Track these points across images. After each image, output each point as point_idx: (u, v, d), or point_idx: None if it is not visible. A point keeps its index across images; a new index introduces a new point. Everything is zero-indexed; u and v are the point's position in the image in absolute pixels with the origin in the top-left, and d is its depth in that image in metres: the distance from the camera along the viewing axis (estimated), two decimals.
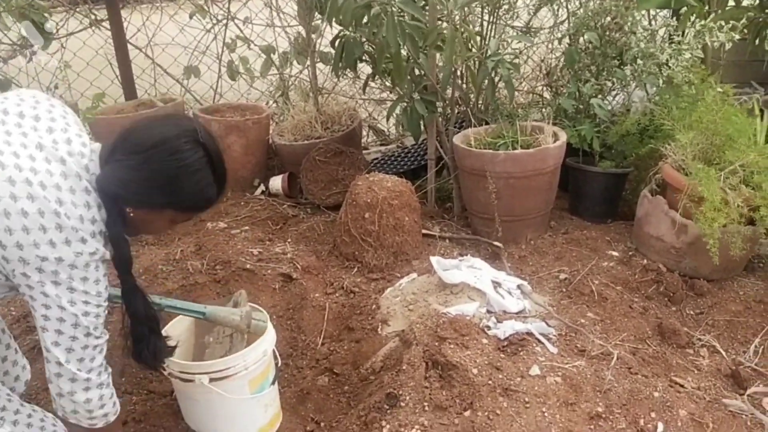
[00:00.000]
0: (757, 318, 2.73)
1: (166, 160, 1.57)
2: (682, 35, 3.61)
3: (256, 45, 4.68)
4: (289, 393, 2.48)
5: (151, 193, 1.59)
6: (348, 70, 3.57)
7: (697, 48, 3.47)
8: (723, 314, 2.77)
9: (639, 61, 3.55)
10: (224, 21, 4.69)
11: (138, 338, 1.81)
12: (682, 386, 2.31)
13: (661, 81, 3.54)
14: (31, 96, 1.63)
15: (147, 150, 1.57)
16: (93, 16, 4.39)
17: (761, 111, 3.05)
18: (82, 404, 1.65)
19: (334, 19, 3.17)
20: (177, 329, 2.28)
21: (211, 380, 2.01)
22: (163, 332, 2.19)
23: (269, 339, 2.17)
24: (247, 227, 3.47)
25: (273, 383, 2.22)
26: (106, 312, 1.66)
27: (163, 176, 1.58)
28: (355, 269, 3.11)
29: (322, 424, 2.33)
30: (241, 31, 4.71)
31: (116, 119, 3.84)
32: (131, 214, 1.64)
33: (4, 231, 1.42)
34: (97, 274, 1.55)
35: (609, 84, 3.81)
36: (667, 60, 3.51)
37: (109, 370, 1.73)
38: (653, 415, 2.10)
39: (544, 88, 4.47)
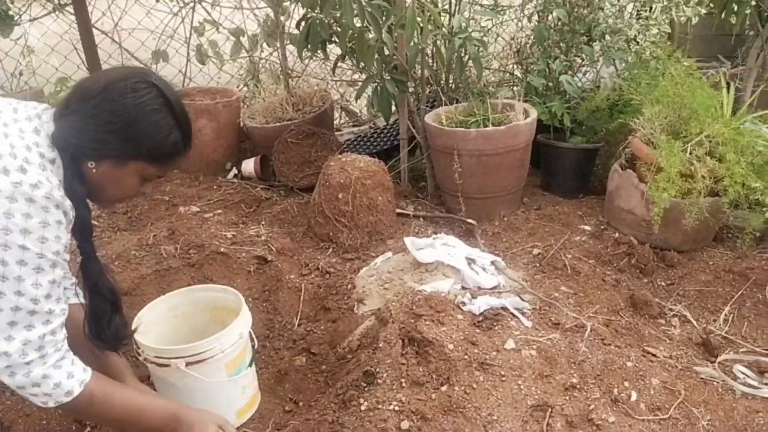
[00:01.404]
0: (727, 287, 2.77)
1: (119, 101, 1.50)
2: (650, 11, 3.64)
3: (224, 28, 4.63)
4: (266, 374, 2.48)
5: (107, 139, 1.51)
6: (316, 51, 3.54)
7: (665, 23, 3.50)
8: (693, 284, 2.82)
9: (607, 37, 3.57)
10: (191, 4, 4.63)
11: (98, 315, 1.70)
12: (654, 356, 2.35)
13: (629, 57, 3.57)
14: None
15: (98, 94, 1.50)
16: (57, 1, 4.30)
17: (727, 84, 3.08)
18: (25, 381, 1.47)
19: (300, 0, 3.13)
20: (153, 312, 2.26)
21: (188, 364, 2.00)
22: (137, 317, 2.19)
23: (245, 321, 2.17)
24: (220, 211, 3.45)
25: (250, 365, 2.22)
26: (60, 278, 1.51)
27: (117, 119, 1.50)
28: (330, 250, 3.11)
29: (301, 403, 2.34)
30: (209, 14, 4.65)
31: None
32: (94, 171, 1.54)
33: None
34: (45, 215, 1.39)
35: (578, 60, 3.83)
36: (635, 36, 3.54)
37: (61, 348, 1.55)
38: (626, 384, 2.14)
39: (515, 66, 4.48)
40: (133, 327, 2.00)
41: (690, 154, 2.76)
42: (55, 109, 1.56)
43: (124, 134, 1.52)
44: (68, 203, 1.46)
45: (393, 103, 3.51)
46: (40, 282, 1.43)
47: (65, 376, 1.53)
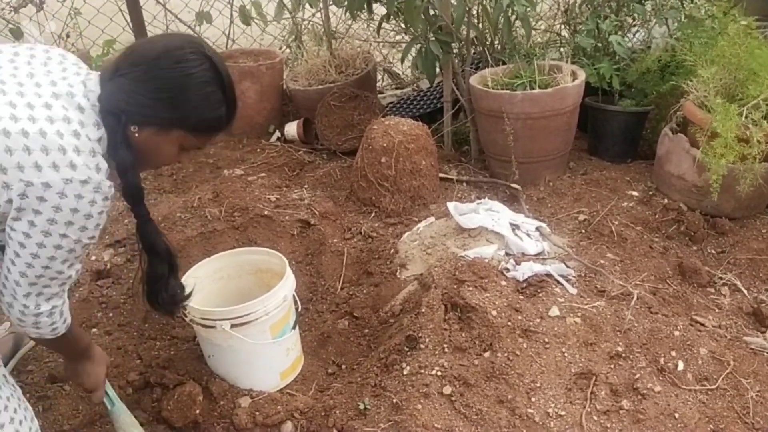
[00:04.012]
0: None
1: (172, 69, 1.49)
2: None
3: None
4: (310, 337, 2.51)
5: (157, 105, 1.49)
6: (362, 11, 3.49)
7: None
8: (745, 252, 2.75)
9: None
10: None
11: (156, 278, 1.73)
12: (702, 325, 2.31)
13: (682, 15, 3.44)
14: (27, 48, 1.55)
15: (151, 60, 1.49)
16: None
17: None
18: (31, 325, 1.58)
19: None
20: (198, 274, 2.29)
21: (233, 326, 2.03)
22: (183, 278, 2.21)
23: (289, 284, 2.18)
24: (263, 174, 3.47)
25: (294, 328, 2.24)
26: (84, 252, 1.56)
27: (168, 86, 1.49)
28: (373, 214, 3.11)
29: (343, 366, 2.36)
30: None
31: None
32: (136, 135, 1.52)
33: None
34: (90, 209, 1.42)
35: (629, 20, 3.71)
36: None
37: (64, 297, 1.63)
38: (673, 353, 2.11)
39: (562, 26, 4.37)
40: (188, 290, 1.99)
41: (746, 118, 2.66)
42: (102, 71, 1.55)
43: (172, 102, 1.50)
44: (112, 190, 1.47)
45: (437, 64, 3.45)
46: (68, 259, 1.49)
47: (62, 322, 1.64)
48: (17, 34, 3.60)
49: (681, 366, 2.08)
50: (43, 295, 1.52)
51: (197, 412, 2.09)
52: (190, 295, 1.91)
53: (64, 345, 1.77)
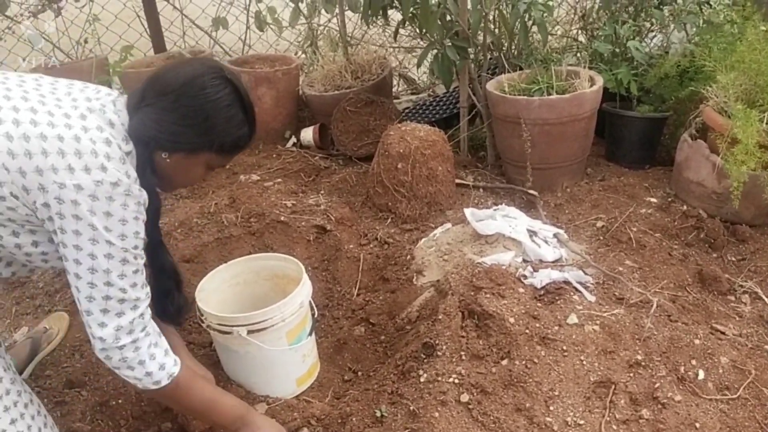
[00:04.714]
0: None
1: (198, 97, 1.56)
2: None
3: None
4: (326, 343, 2.50)
5: (186, 132, 1.57)
6: (377, 16, 3.49)
7: None
8: (765, 260, 2.71)
9: (679, 0, 3.41)
10: None
11: (163, 293, 1.80)
12: (723, 333, 2.27)
13: (701, 21, 3.41)
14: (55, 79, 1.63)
15: (177, 89, 1.56)
16: None
17: None
18: (124, 367, 1.58)
19: None
20: (214, 280, 2.29)
21: (249, 332, 2.03)
22: (200, 284, 2.22)
23: (305, 291, 2.18)
24: (279, 179, 3.47)
25: (310, 334, 2.24)
26: (142, 267, 1.59)
27: (195, 114, 1.57)
28: (389, 220, 3.10)
29: (360, 373, 2.35)
30: None
31: (146, 72, 3.82)
32: (168, 161, 1.61)
33: (24, 155, 1.39)
34: (123, 212, 1.47)
35: (647, 25, 3.68)
36: None
37: (150, 331, 1.63)
38: (694, 362, 2.08)
39: (579, 32, 4.35)
40: (195, 295, 2.10)
41: (766, 124, 2.63)
42: (128, 98, 1.61)
43: (200, 128, 1.58)
44: (144, 195, 1.53)
45: (454, 70, 3.45)
46: (125, 273, 1.52)
47: (157, 368, 1.62)
48: (36, 40, 3.63)
49: (701, 375, 2.05)
50: (123, 328, 1.54)
51: None
52: (194, 304, 1.99)
53: (192, 409, 1.80)
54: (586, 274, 2.42)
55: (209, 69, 1.61)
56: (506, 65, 3.64)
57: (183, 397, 1.72)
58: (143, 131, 1.55)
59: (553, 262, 2.48)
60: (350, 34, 4.56)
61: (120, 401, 2.16)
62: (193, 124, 1.57)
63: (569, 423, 1.89)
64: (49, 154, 1.40)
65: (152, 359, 1.61)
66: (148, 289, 1.63)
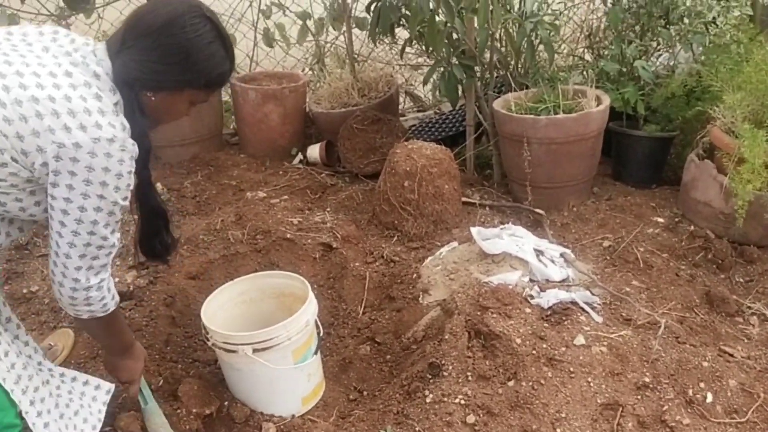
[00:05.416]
0: None
1: (179, 35, 1.57)
2: None
3: (291, 11, 4.63)
4: (331, 362, 2.49)
5: (169, 71, 1.59)
6: (385, 35, 3.51)
7: (746, 5, 3.33)
8: None
9: (686, 20, 3.42)
10: None
11: (152, 233, 1.84)
12: (731, 356, 2.26)
13: (707, 40, 3.42)
14: (33, 28, 1.63)
15: (157, 30, 1.57)
16: None
17: None
18: (82, 302, 1.65)
19: None
20: (220, 299, 2.29)
21: (255, 351, 2.02)
22: (206, 302, 2.22)
23: (311, 309, 2.17)
24: (286, 196, 3.47)
25: (316, 353, 2.23)
26: (120, 216, 1.64)
27: (178, 52, 1.58)
28: (395, 238, 3.09)
29: (365, 392, 2.34)
30: None
31: None
32: (153, 99, 1.63)
33: (19, 120, 1.41)
34: (119, 167, 1.51)
35: (653, 45, 3.69)
36: (714, 18, 3.38)
37: (109, 270, 1.70)
38: (702, 385, 2.07)
39: (585, 50, 4.36)
40: (201, 313, 2.14)
41: None
42: (107, 44, 1.63)
43: (183, 66, 1.60)
44: (136, 150, 1.57)
45: (460, 88, 3.45)
46: (110, 223, 1.58)
47: (111, 298, 1.71)
48: None
49: (710, 398, 2.03)
50: (93, 268, 1.60)
51: None
52: (178, 242, 2.06)
53: (110, 333, 1.85)
54: (593, 294, 2.41)
55: (189, 8, 1.62)
56: (512, 84, 3.64)
57: (112, 320, 1.78)
58: (127, 73, 1.57)
59: (559, 281, 2.47)
60: (357, 52, 4.57)
61: (127, 420, 2.15)
62: (176, 62, 1.59)
63: None
64: (44, 116, 1.42)
65: (109, 292, 1.69)
66: (119, 234, 1.67)
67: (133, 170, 1.58)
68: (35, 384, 1.75)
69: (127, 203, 1.61)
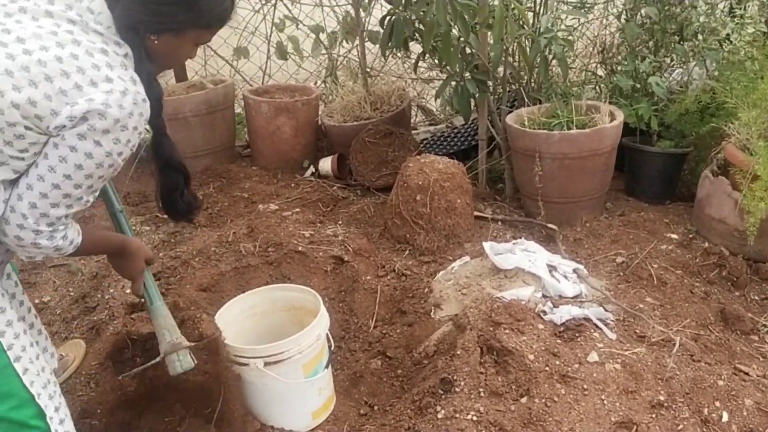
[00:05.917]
0: None
1: None
2: (744, 8, 3.47)
3: (304, 25, 4.66)
4: (342, 376, 2.47)
5: (172, 11, 1.58)
6: (399, 49, 3.51)
7: (761, 21, 3.32)
8: None
9: (700, 37, 3.41)
10: (273, 1, 4.67)
11: (172, 187, 1.80)
12: (747, 374, 2.23)
13: (721, 57, 3.41)
14: None
15: None
16: None
17: None
18: (30, 245, 1.56)
19: None
20: (231, 311, 2.29)
21: (266, 364, 2.02)
22: (217, 315, 2.22)
23: (323, 323, 2.17)
24: (298, 209, 3.47)
25: (326, 367, 2.22)
26: (107, 178, 1.61)
27: None
28: (407, 252, 3.08)
29: (376, 407, 2.32)
30: (290, 10, 4.68)
31: (167, 101, 3.86)
32: (156, 42, 1.61)
33: (29, 86, 1.39)
34: (127, 120, 1.49)
35: (668, 60, 3.68)
36: (728, 35, 3.38)
37: (68, 229, 1.62)
38: (717, 404, 2.04)
39: (598, 66, 4.35)
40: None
41: None
42: None
43: (186, 6, 1.59)
44: (148, 105, 1.54)
45: (473, 102, 3.45)
46: (92, 175, 1.52)
47: (68, 244, 1.62)
48: None
49: (725, 417, 2.01)
50: (47, 216, 1.52)
51: None
52: (203, 202, 2.02)
53: (90, 250, 1.84)
54: (606, 310, 2.39)
55: None
56: (525, 98, 3.64)
57: (85, 243, 1.71)
58: (130, 18, 1.55)
59: (573, 297, 2.45)
60: (370, 65, 4.59)
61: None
62: (179, 2, 1.58)
63: None
64: (54, 78, 1.40)
65: (64, 239, 1.60)
66: (92, 198, 1.62)
67: (140, 129, 1.55)
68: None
69: (120, 161, 1.55)
